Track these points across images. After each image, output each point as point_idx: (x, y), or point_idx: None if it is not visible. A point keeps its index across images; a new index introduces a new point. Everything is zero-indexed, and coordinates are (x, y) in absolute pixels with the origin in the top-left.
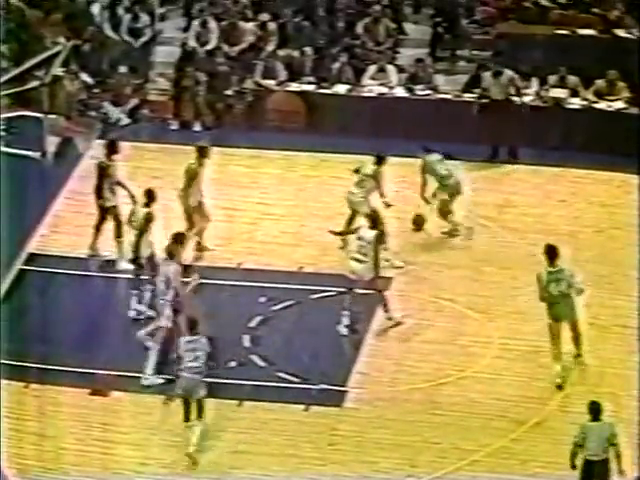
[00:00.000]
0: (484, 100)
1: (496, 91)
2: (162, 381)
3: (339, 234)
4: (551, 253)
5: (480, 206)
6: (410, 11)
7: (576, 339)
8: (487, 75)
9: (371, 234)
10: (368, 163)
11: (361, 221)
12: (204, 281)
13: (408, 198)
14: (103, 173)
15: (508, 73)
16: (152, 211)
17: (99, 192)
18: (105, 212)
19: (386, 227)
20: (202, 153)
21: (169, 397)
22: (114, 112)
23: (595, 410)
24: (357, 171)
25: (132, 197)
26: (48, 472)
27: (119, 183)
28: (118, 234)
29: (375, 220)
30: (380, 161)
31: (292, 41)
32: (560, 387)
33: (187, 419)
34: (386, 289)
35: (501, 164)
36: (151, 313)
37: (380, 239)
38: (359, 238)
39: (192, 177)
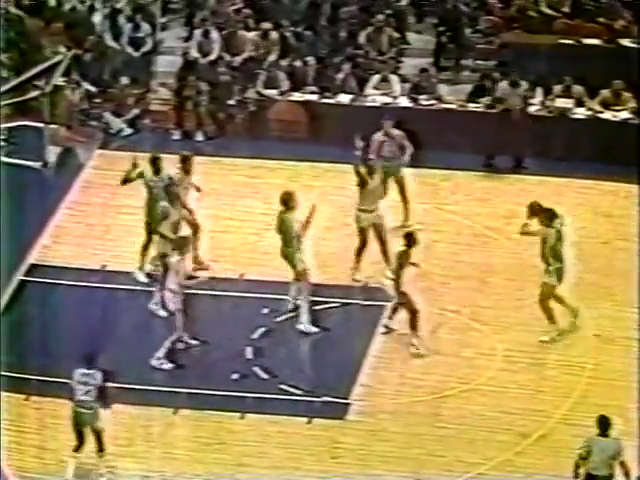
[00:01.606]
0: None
1: (513, 101)
2: (171, 366)
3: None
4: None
5: (485, 217)
6: (413, 20)
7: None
8: (504, 85)
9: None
10: None
11: None
12: (207, 292)
13: (411, 209)
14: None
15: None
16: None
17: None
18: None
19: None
20: (185, 163)
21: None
22: (115, 122)
23: (604, 424)
24: None
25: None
26: None
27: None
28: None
29: (410, 239)
30: None
31: (295, 51)
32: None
33: (77, 449)
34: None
35: (505, 174)
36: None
37: (403, 256)
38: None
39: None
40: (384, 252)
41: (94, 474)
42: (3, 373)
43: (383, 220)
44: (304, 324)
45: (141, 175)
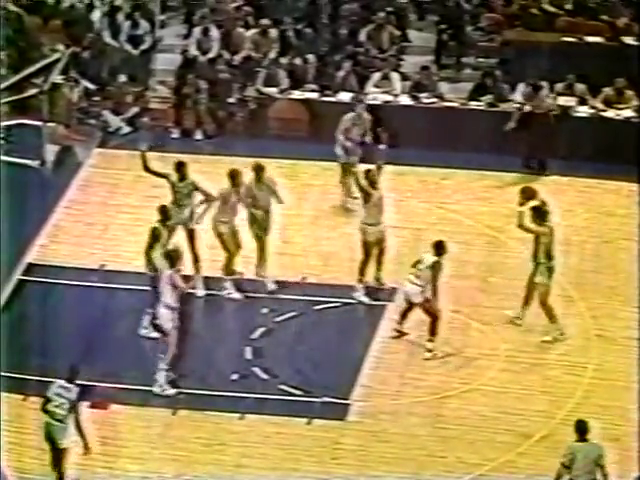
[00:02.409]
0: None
1: (535, 104)
2: (174, 392)
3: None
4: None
5: (486, 216)
6: (414, 18)
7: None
8: (522, 87)
9: (431, 260)
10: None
11: None
12: (206, 292)
13: (412, 208)
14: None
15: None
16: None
17: None
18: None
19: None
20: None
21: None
22: (114, 120)
23: (582, 430)
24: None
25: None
26: None
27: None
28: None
29: (440, 248)
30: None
31: (295, 48)
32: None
33: (54, 466)
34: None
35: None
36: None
37: (438, 266)
38: (419, 261)
39: None
40: (380, 259)
41: None
42: (2, 373)
43: (385, 233)
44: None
45: (166, 177)
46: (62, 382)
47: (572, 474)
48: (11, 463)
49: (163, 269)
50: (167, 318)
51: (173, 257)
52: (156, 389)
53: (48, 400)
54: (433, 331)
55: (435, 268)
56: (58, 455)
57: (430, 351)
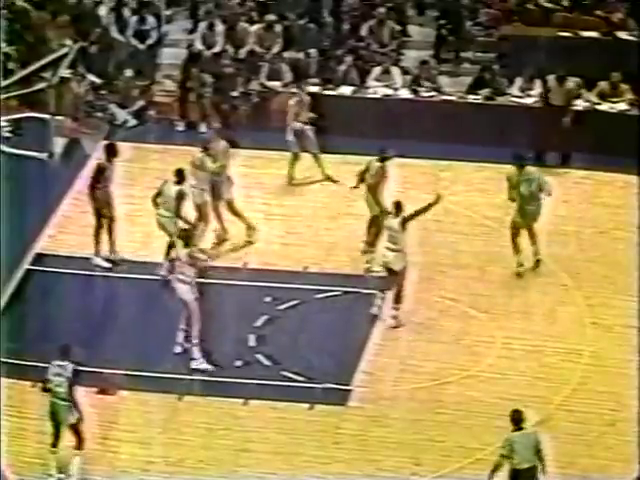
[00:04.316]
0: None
1: (558, 97)
2: (212, 368)
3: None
4: (520, 159)
5: (484, 207)
6: (414, 13)
7: (534, 240)
8: (551, 79)
9: (397, 222)
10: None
11: None
12: (210, 281)
13: (412, 199)
14: (100, 174)
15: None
16: (184, 189)
17: (94, 193)
18: (100, 214)
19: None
20: (110, 151)
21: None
22: (120, 114)
23: (517, 419)
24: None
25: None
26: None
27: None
28: (110, 233)
29: (399, 208)
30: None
31: (297, 43)
32: (519, 275)
33: (54, 445)
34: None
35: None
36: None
37: (405, 224)
38: (389, 228)
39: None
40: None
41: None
42: (9, 360)
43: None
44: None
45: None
46: (58, 362)
47: (514, 462)
48: (16, 448)
49: (179, 249)
50: (184, 290)
51: (187, 236)
52: (194, 364)
53: (49, 381)
54: (398, 299)
55: (404, 227)
56: (62, 433)
57: (395, 318)
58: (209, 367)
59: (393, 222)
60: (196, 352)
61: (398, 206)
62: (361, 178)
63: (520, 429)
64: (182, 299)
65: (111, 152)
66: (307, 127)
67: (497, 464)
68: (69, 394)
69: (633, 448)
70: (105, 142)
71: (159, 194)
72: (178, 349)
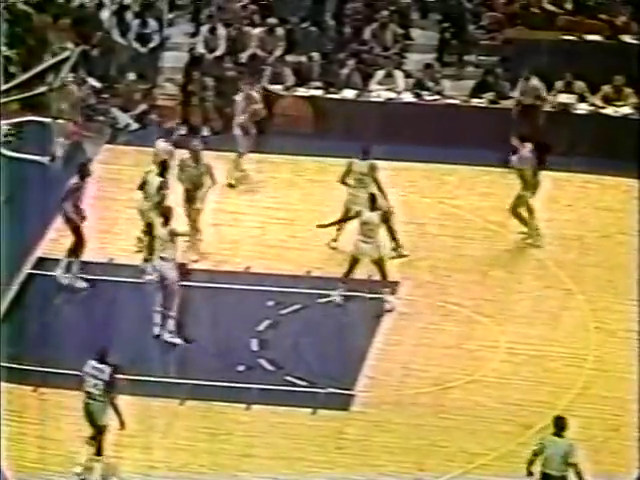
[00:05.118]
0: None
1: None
2: (181, 341)
3: (328, 225)
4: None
5: (487, 210)
6: (417, 16)
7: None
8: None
9: (375, 215)
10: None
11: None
12: (212, 285)
13: (414, 203)
14: (74, 194)
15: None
16: (165, 180)
17: (70, 212)
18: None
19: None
20: (84, 171)
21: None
22: (122, 117)
23: (558, 426)
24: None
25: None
26: (57, 475)
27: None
28: (75, 251)
29: (374, 202)
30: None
31: (300, 46)
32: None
33: (92, 438)
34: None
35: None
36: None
37: (384, 218)
38: (364, 223)
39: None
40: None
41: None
42: (10, 365)
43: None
44: None
45: None
46: (94, 363)
47: (545, 465)
48: (18, 453)
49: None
50: (167, 267)
51: (166, 214)
52: (166, 336)
53: (84, 381)
54: (387, 284)
55: (382, 221)
56: (97, 433)
57: (389, 302)
58: (179, 341)
59: (371, 216)
60: (171, 325)
61: (373, 199)
62: (342, 180)
63: (558, 435)
64: (164, 278)
65: (85, 172)
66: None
67: (529, 460)
68: (105, 396)
69: (635, 452)
70: (80, 162)
71: (144, 183)
72: (156, 330)
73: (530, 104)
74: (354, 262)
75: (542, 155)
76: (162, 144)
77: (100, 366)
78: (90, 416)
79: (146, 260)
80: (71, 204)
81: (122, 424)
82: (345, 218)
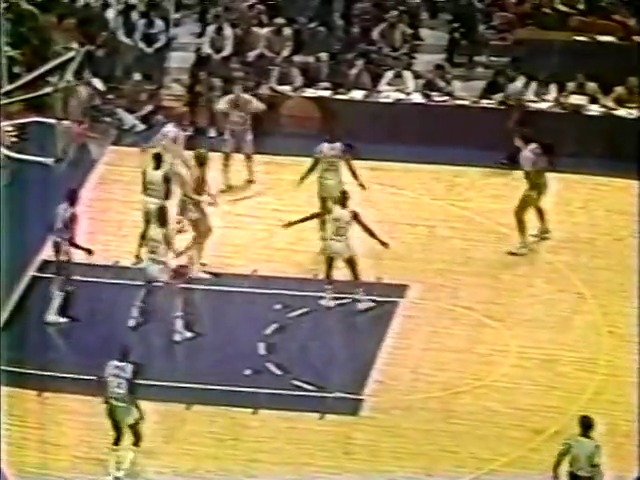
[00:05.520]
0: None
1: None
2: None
3: (295, 223)
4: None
5: (498, 213)
6: (427, 17)
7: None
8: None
9: (346, 212)
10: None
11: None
12: (219, 288)
13: (424, 205)
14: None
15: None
16: (167, 171)
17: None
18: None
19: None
20: (73, 198)
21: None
22: (128, 118)
23: (584, 426)
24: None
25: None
26: None
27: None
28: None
29: (346, 200)
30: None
31: (308, 47)
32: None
33: (116, 443)
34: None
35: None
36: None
37: (355, 217)
38: (335, 220)
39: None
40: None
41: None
42: (14, 369)
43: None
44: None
45: None
46: (115, 362)
47: (574, 465)
48: (20, 458)
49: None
50: (155, 270)
51: (162, 215)
52: (177, 337)
53: (105, 383)
54: (357, 276)
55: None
56: (123, 432)
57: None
58: (189, 334)
59: (342, 213)
60: (178, 324)
61: (345, 196)
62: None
63: (585, 436)
64: (150, 278)
65: (75, 198)
66: (242, 128)
67: (556, 461)
68: (127, 395)
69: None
70: (69, 189)
71: (146, 183)
72: (132, 322)
73: (512, 104)
74: (330, 261)
75: (549, 156)
76: (168, 127)
77: (122, 364)
78: (115, 418)
79: (137, 259)
80: (67, 238)
81: (141, 418)
82: (313, 215)
